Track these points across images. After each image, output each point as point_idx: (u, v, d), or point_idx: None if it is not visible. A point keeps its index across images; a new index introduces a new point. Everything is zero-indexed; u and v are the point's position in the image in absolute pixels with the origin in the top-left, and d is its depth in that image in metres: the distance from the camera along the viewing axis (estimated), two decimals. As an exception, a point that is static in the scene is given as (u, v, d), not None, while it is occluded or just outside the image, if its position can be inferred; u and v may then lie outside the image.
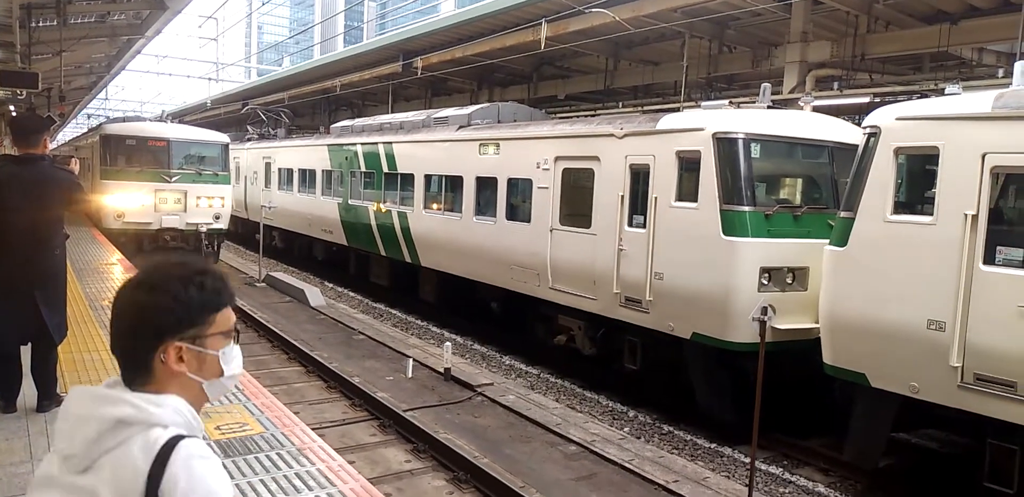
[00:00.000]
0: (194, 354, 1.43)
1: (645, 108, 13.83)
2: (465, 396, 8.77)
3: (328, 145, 17.13)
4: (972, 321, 5.34)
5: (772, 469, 7.23)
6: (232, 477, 3.86)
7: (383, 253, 14.58)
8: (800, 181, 8.76)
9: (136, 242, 14.99)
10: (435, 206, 12.91)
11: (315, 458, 4.18)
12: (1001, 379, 5.18)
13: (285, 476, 3.92)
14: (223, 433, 4.49)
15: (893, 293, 5.83)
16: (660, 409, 8.74)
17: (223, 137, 17.16)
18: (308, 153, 18.37)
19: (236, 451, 4.22)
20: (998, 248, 5.32)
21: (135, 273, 1.50)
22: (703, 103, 9.10)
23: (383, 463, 6.71)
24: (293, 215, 18.87)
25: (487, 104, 14.09)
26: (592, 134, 9.25)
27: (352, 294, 16.15)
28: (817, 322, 6.75)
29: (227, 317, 1.48)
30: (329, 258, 18.21)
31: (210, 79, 35.19)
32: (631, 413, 8.75)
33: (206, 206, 15.68)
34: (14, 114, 18.66)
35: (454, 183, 12.25)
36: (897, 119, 6.04)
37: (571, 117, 14.56)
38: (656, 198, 8.10)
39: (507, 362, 10.88)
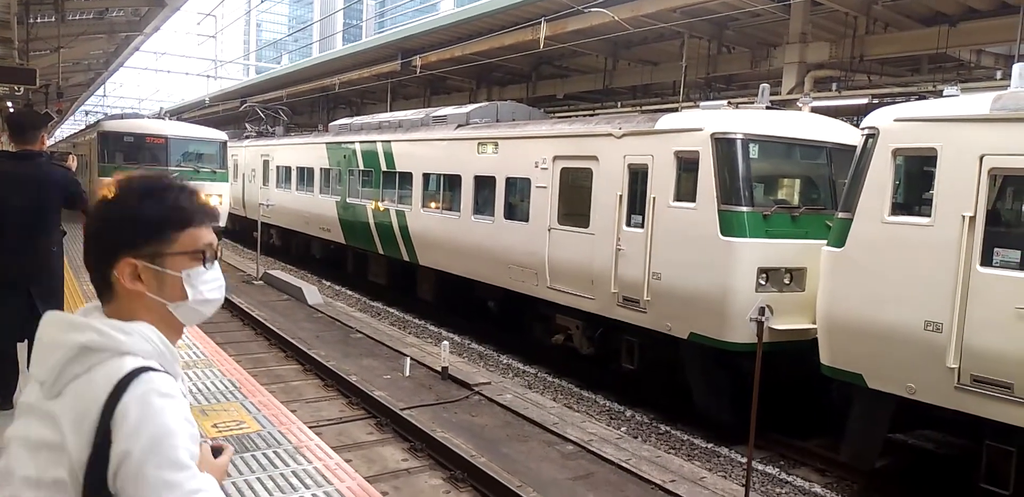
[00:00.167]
0: (152, 273, 1.38)
1: (644, 108, 13.85)
2: (462, 395, 8.77)
3: (326, 143, 17.11)
4: (969, 323, 5.35)
5: (769, 469, 7.24)
6: (228, 475, 3.85)
7: (381, 252, 14.57)
8: (798, 182, 8.77)
9: None
10: (433, 205, 12.90)
11: (312, 456, 4.18)
12: (998, 380, 5.19)
13: (282, 474, 3.92)
14: (220, 430, 4.48)
15: (890, 294, 5.83)
16: (657, 409, 8.75)
17: (221, 135, 17.16)
18: (306, 151, 18.35)
19: (233, 449, 4.22)
20: (995, 250, 5.33)
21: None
22: (702, 103, 9.11)
23: (380, 462, 6.71)
24: (291, 213, 18.85)
25: (486, 103, 14.09)
26: (590, 134, 9.25)
27: (350, 292, 16.14)
28: (814, 323, 6.76)
29: (194, 237, 1.41)
30: (327, 256, 18.19)
31: (208, 76, 35.12)
32: (628, 413, 8.76)
33: None
34: (11, 110, 18.61)
35: (452, 182, 12.25)
36: (895, 120, 6.05)
37: (570, 117, 14.57)
38: (654, 198, 8.10)
39: (505, 361, 10.88)
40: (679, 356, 8.11)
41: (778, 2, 10.88)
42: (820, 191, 8.34)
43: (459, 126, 12.42)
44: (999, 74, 10.16)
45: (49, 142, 11.81)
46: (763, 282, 7.32)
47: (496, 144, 11.12)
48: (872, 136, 6.15)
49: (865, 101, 10.18)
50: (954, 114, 5.65)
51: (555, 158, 9.72)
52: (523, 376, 10.18)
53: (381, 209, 14.34)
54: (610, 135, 8.81)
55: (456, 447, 6.81)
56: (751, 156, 7.60)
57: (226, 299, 13.00)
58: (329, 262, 18.13)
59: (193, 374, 5.64)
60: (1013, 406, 5.12)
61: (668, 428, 8.30)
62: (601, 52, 15.54)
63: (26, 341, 4.68)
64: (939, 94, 6.83)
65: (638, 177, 8.45)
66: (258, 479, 3.84)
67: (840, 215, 6.39)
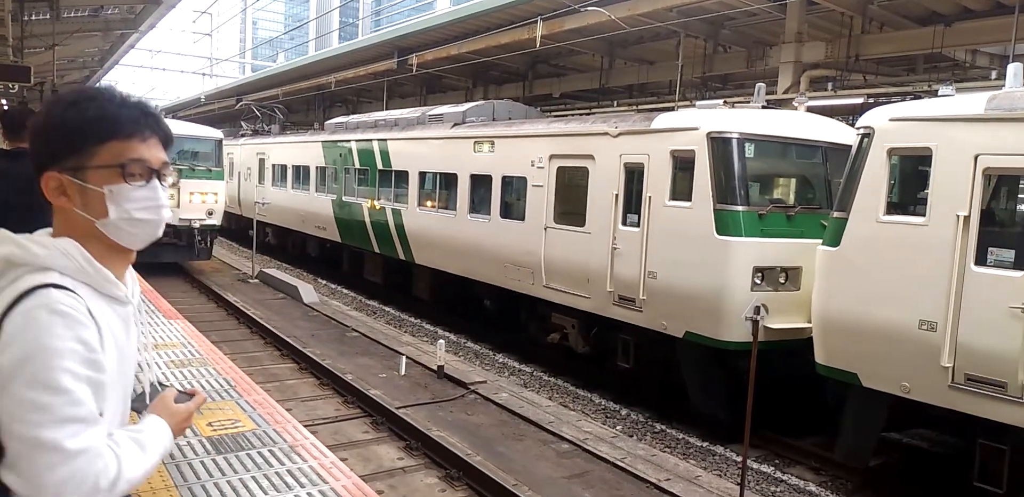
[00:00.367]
0: (77, 188, 1.32)
1: (640, 107, 13.84)
2: (458, 394, 8.78)
3: (322, 141, 17.09)
4: (963, 322, 5.37)
5: (764, 468, 7.26)
6: (223, 474, 3.85)
7: (377, 250, 14.56)
8: (794, 181, 8.78)
9: None
10: (429, 203, 12.89)
11: (307, 455, 4.17)
12: (992, 379, 5.21)
13: (277, 473, 3.91)
14: (215, 429, 4.47)
15: (885, 293, 5.85)
16: (653, 408, 8.76)
17: (217, 133, 17.09)
18: (302, 149, 18.32)
19: (228, 448, 4.21)
20: (989, 249, 5.35)
21: None
22: (698, 102, 9.12)
23: (375, 460, 6.71)
24: (287, 211, 18.83)
25: (482, 102, 14.08)
26: (587, 133, 9.26)
27: (345, 291, 16.13)
28: (809, 322, 6.78)
29: (117, 149, 1.33)
30: (323, 255, 18.17)
31: (204, 74, 35.06)
32: (624, 411, 8.77)
33: (199, 202, 15.62)
34: (6, 108, 18.54)
35: (448, 181, 12.24)
36: (890, 120, 6.06)
37: (566, 115, 14.56)
38: (650, 197, 8.11)
39: (500, 360, 10.88)
40: (675, 355, 8.13)
41: (774, 2, 10.88)
42: (815, 190, 8.35)
43: (455, 125, 12.41)
44: (994, 74, 10.18)
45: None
46: (758, 281, 7.33)
47: (492, 143, 11.11)
48: (867, 136, 6.17)
49: (860, 101, 10.20)
50: (949, 114, 5.67)
51: (551, 157, 9.72)
52: (519, 375, 10.19)
53: (377, 208, 14.32)
54: (606, 134, 8.81)
55: (452, 446, 6.82)
56: (747, 155, 7.62)
57: (221, 298, 12.85)
58: (325, 261, 18.11)
59: (188, 372, 5.63)
60: (1006, 405, 5.14)
61: (663, 427, 8.32)
62: (597, 51, 15.54)
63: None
64: (934, 94, 6.84)
65: (634, 176, 8.46)
66: (253, 478, 3.83)
67: (835, 214, 6.41)
